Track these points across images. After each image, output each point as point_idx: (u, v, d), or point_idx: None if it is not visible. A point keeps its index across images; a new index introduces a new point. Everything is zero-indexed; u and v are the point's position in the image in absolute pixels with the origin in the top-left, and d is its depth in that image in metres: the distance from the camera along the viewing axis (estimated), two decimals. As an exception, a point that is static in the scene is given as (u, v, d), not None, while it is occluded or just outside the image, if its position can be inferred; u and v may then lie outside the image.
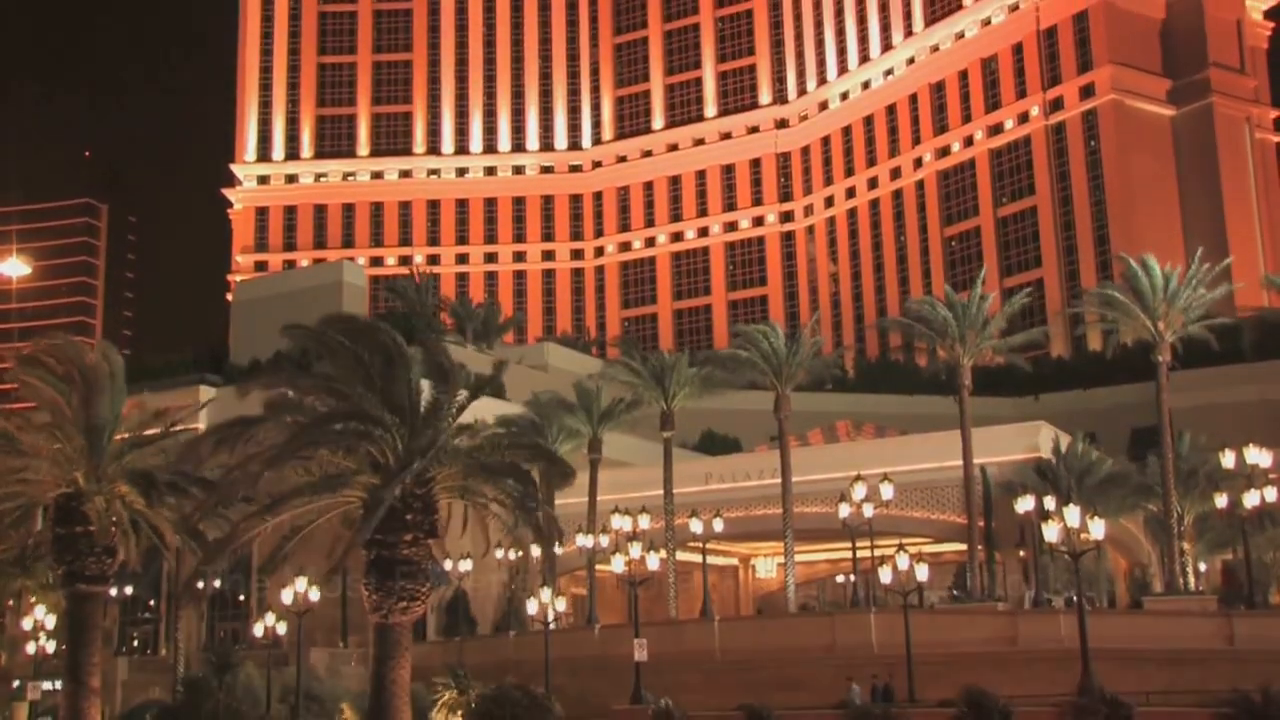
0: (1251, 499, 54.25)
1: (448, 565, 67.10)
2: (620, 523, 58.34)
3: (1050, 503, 48.99)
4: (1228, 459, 54.45)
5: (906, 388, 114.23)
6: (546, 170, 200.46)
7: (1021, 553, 65.87)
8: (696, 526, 61.91)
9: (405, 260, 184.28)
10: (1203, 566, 70.78)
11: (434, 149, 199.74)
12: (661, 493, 69.08)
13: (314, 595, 55.83)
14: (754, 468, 76.55)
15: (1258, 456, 53.35)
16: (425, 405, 36.71)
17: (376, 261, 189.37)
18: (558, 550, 69.26)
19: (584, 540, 63.12)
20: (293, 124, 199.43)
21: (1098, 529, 43.65)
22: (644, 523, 57.92)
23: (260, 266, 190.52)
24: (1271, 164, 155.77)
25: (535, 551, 68.94)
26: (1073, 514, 42.87)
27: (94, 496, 44.89)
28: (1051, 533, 43.57)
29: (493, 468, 37.58)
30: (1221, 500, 59.73)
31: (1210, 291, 62.68)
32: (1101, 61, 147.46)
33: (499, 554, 67.35)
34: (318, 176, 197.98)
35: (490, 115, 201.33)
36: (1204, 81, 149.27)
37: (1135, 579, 70.84)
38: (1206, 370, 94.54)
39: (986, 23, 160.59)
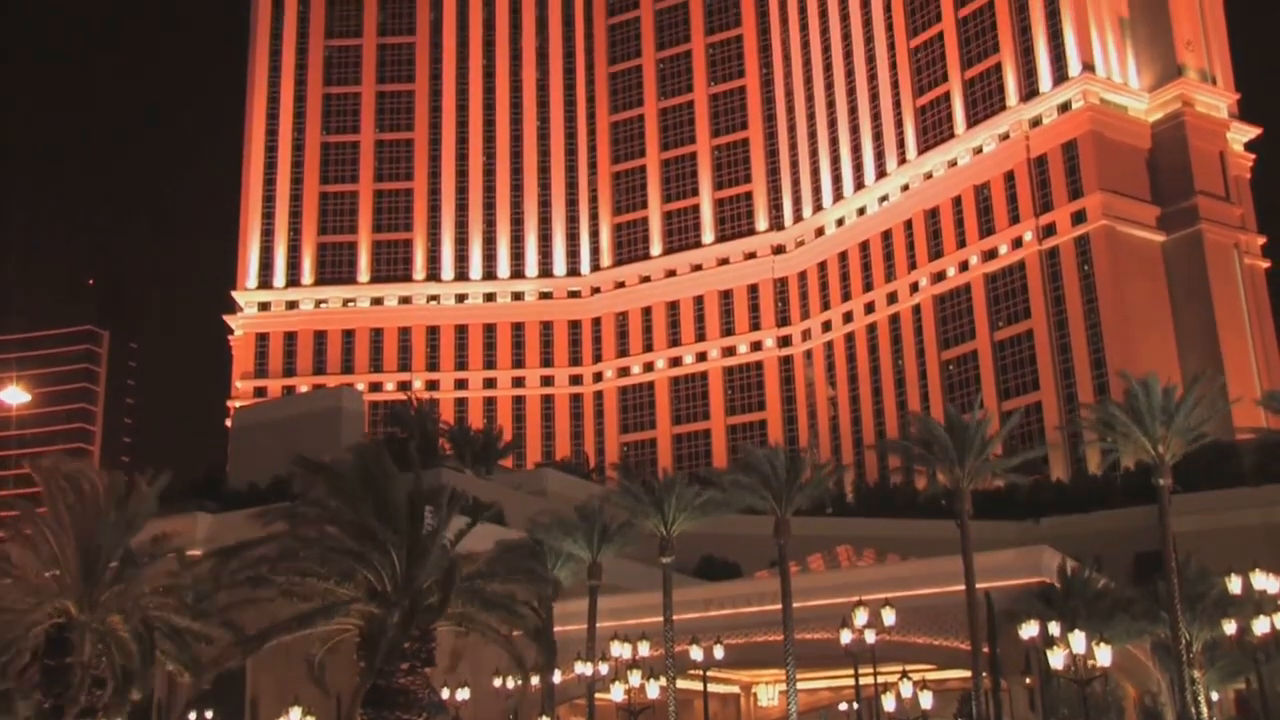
0: (1261, 626, 53.54)
1: (445, 694, 65.97)
2: (620, 650, 57.55)
3: (1055, 628, 48.36)
4: (1234, 584, 53.91)
5: (907, 511, 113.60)
6: (545, 296, 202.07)
7: (1028, 680, 64.85)
8: (697, 654, 61.04)
9: (404, 386, 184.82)
10: (1215, 696, 69.59)
11: (434, 275, 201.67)
12: (661, 619, 68.21)
13: (309, 727, 54.71)
14: (754, 593, 75.76)
15: (1265, 582, 52.82)
16: (425, 532, 36.48)
17: (375, 387, 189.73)
18: (556, 678, 68.24)
19: (583, 668, 62.19)
20: (294, 251, 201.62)
21: (1104, 655, 43.04)
22: (644, 650, 57.09)
23: (260, 392, 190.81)
24: (1262, 288, 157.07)
25: (534, 680, 67.93)
26: (1078, 640, 42.31)
27: (86, 626, 44.21)
28: (1058, 659, 42.94)
29: (491, 597, 37.27)
30: (1230, 627, 58.97)
31: (1209, 413, 62.73)
32: (1091, 189, 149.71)
33: (496, 682, 66.29)
34: (318, 303, 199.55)
35: (490, 242, 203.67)
36: (1192, 209, 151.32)
37: (1145, 708, 69.63)
38: (1209, 494, 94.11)
39: (978, 151, 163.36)
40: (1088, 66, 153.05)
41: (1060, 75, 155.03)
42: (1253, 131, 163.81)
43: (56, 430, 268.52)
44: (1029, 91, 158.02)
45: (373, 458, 37.39)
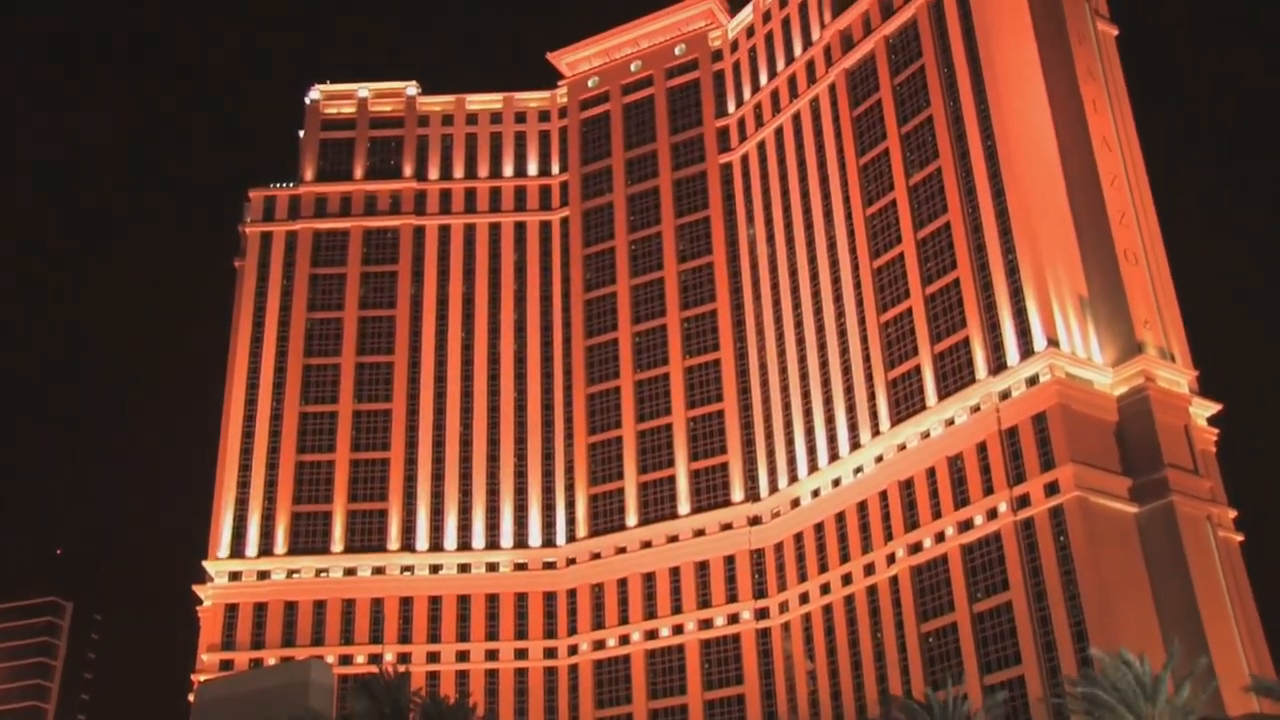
0: None
1: None
2: None
3: None
4: None
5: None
6: (520, 567, 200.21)
7: None
8: None
9: (375, 659, 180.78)
10: None
11: (408, 546, 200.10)
12: None
13: None
14: None
15: None
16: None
17: (346, 660, 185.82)
18: None
19: None
20: (268, 520, 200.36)
21: None
22: None
23: (226, 665, 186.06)
24: (1238, 562, 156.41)
25: None
26: None
27: None
28: None
29: None
30: None
31: (1198, 691, 62.06)
32: (1063, 461, 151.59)
33: None
34: (290, 573, 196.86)
35: (465, 512, 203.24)
36: (1162, 481, 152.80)
37: None
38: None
39: (950, 422, 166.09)
40: (1052, 342, 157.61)
41: (1026, 350, 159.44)
42: (1214, 407, 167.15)
43: (6, 709, 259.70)
44: (997, 365, 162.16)
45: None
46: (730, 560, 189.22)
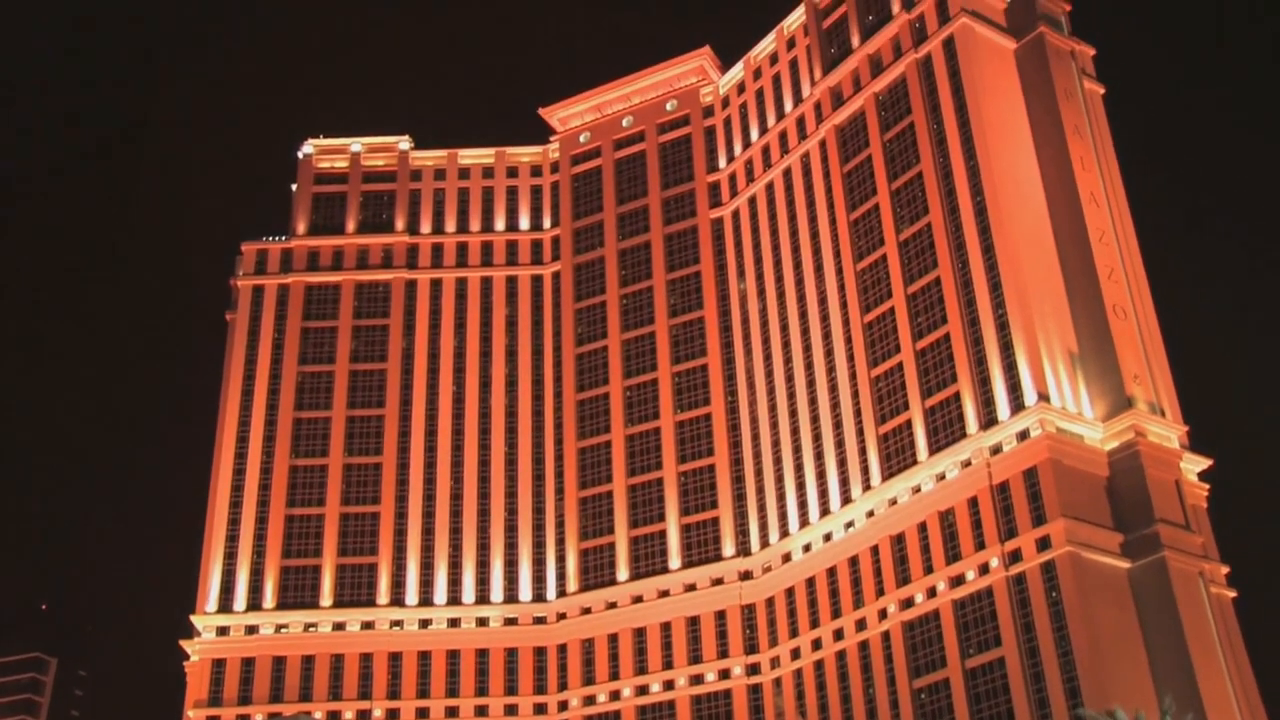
0: None
1: None
2: None
3: None
4: None
5: None
6: (510, 622, 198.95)
7: None
8: None
9: (364, 715, 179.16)
10: None
11: (398, 600, 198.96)
12: None
13: None
14: None
15: None
16: None
17: (334, 716, 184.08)
18: None
19: None
20: (257, 574, 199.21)
21: None
22: None
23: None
24: (1231, 619, 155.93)
25: None
26: None
27: None
28: None
29: None
30: None
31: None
32: (1054, 516, 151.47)
33: None
34: (278, 627, 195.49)
35: (455, 566, 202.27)
36: (1153, 536, 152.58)
37: None
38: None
39: (941, 477, 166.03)
40: (1043, 397, 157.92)
41: (1017, 405, 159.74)
42: (1204, 462, 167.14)
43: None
44: (988, 420, 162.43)
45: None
46: (721, 615, 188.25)
